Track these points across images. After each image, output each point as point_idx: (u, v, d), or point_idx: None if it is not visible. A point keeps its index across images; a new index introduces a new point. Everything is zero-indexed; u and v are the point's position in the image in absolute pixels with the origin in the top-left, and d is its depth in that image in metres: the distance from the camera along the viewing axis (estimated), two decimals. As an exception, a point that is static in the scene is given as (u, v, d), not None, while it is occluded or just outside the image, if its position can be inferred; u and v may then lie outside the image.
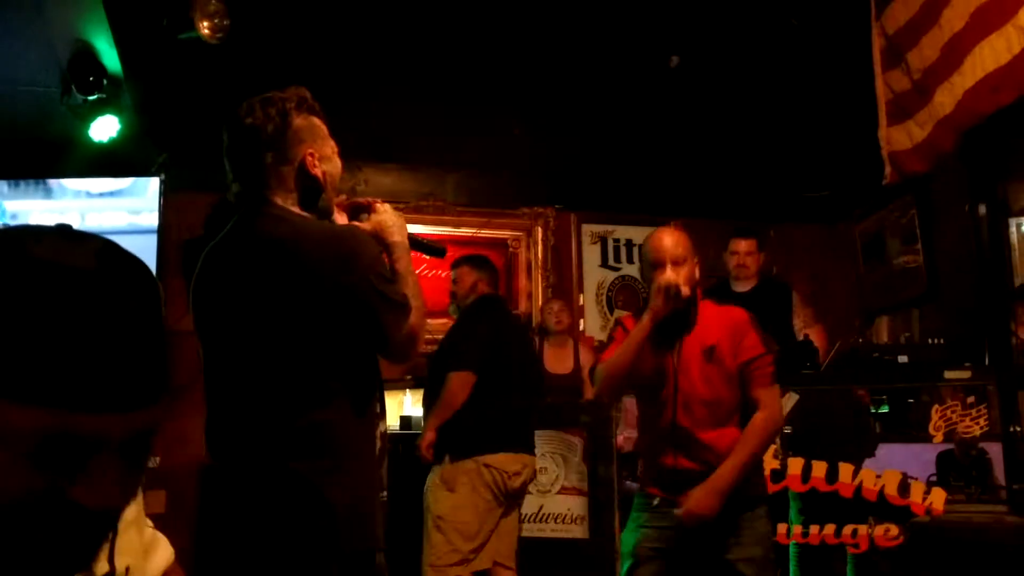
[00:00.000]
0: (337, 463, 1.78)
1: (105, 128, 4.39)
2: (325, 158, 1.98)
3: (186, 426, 4.79)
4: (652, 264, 2.80)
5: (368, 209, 2.09)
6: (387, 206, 2.09)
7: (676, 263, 2.75)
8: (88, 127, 4.36)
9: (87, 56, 4.08)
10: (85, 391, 0.68)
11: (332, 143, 2.03)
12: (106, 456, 0.71)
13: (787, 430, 3.85)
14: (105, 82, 4.17)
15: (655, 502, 2.78)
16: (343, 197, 2.18)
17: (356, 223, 2.04)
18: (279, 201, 1.92)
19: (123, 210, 4.73)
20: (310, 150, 1.95)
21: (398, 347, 1.88)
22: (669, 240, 2.81)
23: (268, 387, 1.81)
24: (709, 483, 2.62)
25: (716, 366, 2.71)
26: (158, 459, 4.80)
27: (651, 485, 2.84)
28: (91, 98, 4.21)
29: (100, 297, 0.70)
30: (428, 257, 2.22)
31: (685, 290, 2.68)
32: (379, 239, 2.00)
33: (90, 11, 3.70)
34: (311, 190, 1.95)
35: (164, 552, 1.19)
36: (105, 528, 0.75)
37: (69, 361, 0.67)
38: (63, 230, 0.74)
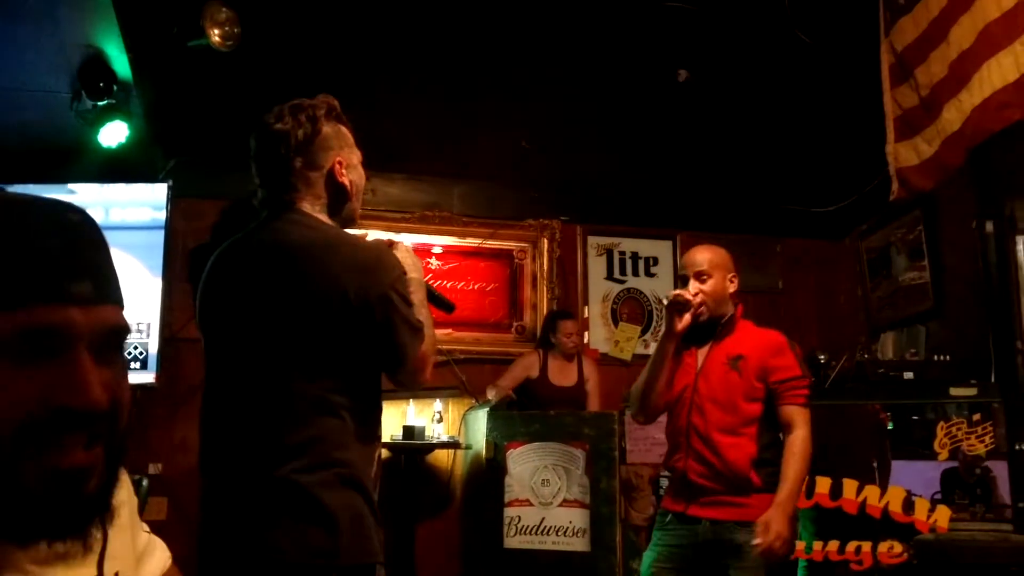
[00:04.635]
0: (340, 476, 1.75)
1: (114, 134, 4.39)
2: (351, 167, 1.99)
3: (188, 433, 4.84)
4: (680, 278, 2.91)
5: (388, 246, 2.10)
6: (405, 244, 2.08)
7: (700, 276, 2.84)
8: (97, 132, 4.37)
9: (97, 62, 4.09)
10: (45, 286, 0.79)
11: (358, 153, 2.04)
12: (79, 349, 0.80)
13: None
14: (115, 88, 4.18)
15: (667, 519, 2.83)
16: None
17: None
18: (307, 207, 1.92)
19: (147, 205, 4.75)
20: (338, 157, 1.96)
21: (411, 367, 1.86)
22: (699, 255, 2.90)
23: (276, 394, 1.79)
24: (776, 509, 2.62)
25: (739, 375, 2.76)
26: (160, 466, 4.80)
27: (667, 498, 2.90)
28: (101, 104, 4.21)
29: (48, 215, 0.83)
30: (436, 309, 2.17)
31: (692, 299, 2.80)
32: None
33: (102, 17, 3.71)
34: (339, 198, 1.97)
35: (160, 558, 1.18)
36: (99, 430, 0.81)
37: (27, 263, 0.79)
38: None
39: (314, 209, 1.93)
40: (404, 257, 2.01)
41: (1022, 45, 3.24)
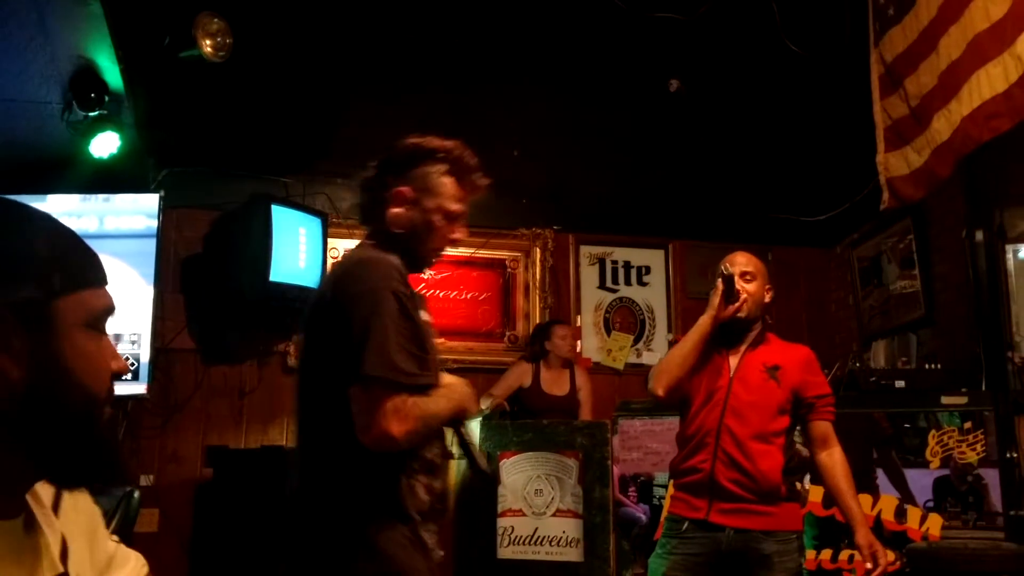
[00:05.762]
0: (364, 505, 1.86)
1: (105, 144, 4.39)
2: (421, 206, 1.94)
3: (179, 445, 4.83)
4: (722, 275, 2.85)
5: None
6: (455, 379, 1.96)
7: (745, 276, 2.84)
8: (88, 143, 4.36)
9: (89, 73, 4.09)
10: (97, 272, 0.96)
11: (453, 206, 1.97)
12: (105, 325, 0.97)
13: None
14: (106, 99, 4.17)
15: (684, 527, 2.75)
16: None
17: None
18: (368, 233, 1.98)
19: (141, 214, 4.74)
20: (400, 189, 1.93)
21: (366, 397, 1.72)
22: (742, 257, 2.91)
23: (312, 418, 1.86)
24: (865, 532, 2.70)
25: (776, 384, 2.76)
26: (152, 477, 4.78)
27: (680, 504, 2.83)
28: (92, 114, 4.21)
29: (66, 229, 0.97)
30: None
31: (743, 294, 2.79)
32: None
33: (93, 28, 3.71)
34: (393, 234, 1.94)
35: (133, 567, 1.19)
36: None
37: (87, 255, 0.96)
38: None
39: (373, 237, 1.98)
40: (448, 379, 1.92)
41: (1011, 56, 3.25)
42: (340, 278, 1.84)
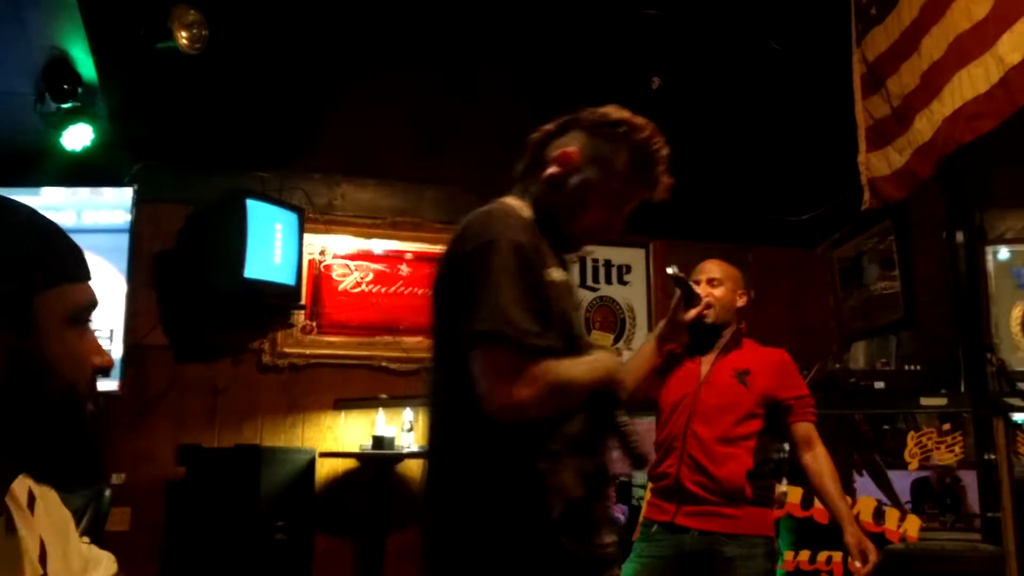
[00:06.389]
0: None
1: (78, 137, 4.32)
2: (581, 175, 1.71)
3: (151, 443, 4.76)
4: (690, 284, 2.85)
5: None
6: (601, 349, 1.80)
7: (711, 282, 2.87)
8: (61, 135, 4.29)
9: (62, 64, 4.02)
10: (80, 266, 0.98)
11: (615, 187, 1.75)
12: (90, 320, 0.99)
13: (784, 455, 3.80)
14: (80, 90, 4.11)
15: (653, 530, 2.76)
16: None
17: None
18: (509, 197, 1.74)
19: (120, 208, 4.66)
20: (567, 150, 1.71)
21: (485, 360, 1.49)
22: (710, 264, 2.94)
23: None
24: (854, 530, 2.65)
25: (745, 389, 2.75)
26: (123, 476, 4.71)
27: (651, 508, 2.83)
28: (65, 106, 4.14)
29: (49, 223, 0.97)
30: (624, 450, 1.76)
31: (701, 293, 2.78)
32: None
33: (67, 19, 3.64)
34: (542, 187, 1.71)
35: (105, 568, 1.17)
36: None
37: (70, 250, 0.96)
38: None
39: (518, 200, 1.75)
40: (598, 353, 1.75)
41: (993, 56, 3.25)
42: (458, 234, 1.63)
